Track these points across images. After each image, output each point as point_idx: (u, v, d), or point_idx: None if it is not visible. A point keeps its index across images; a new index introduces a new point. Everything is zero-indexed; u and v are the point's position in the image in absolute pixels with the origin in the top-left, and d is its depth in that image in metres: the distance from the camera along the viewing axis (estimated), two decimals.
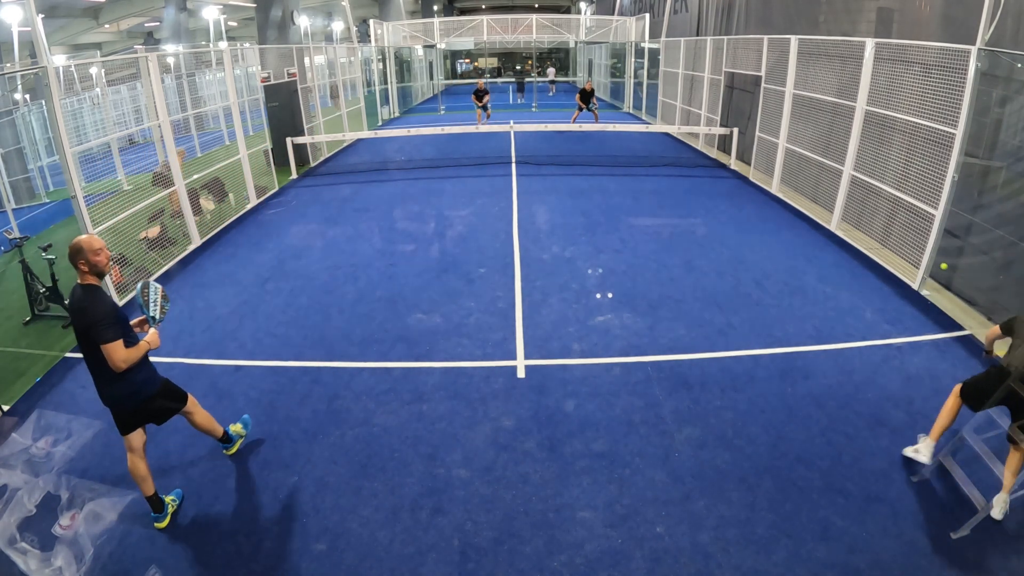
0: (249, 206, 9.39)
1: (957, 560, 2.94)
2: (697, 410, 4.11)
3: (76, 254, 3.00)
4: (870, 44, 6.74)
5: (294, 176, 11.51)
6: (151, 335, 3.23)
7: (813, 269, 6.44)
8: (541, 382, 4.48)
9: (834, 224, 7.58)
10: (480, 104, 16.62)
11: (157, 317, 3.31)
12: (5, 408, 4.29)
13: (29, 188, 12.38)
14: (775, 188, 9.38)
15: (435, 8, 37.82)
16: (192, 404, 3.52)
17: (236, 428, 3.88)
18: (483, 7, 41.64)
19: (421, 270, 6.61)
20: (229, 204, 9.07)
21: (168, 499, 3.37)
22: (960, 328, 5.15)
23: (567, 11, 39.12)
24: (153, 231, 7.20)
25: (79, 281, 3.06)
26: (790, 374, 4.51)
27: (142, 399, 3.20)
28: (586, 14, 30.13)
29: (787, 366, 4.62)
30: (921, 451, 3.55)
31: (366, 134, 14.39)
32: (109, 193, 8.34)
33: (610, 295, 5.90)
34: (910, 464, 3.58)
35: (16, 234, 6.78)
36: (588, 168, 11.50)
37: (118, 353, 2.97)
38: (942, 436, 3.56)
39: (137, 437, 3.25)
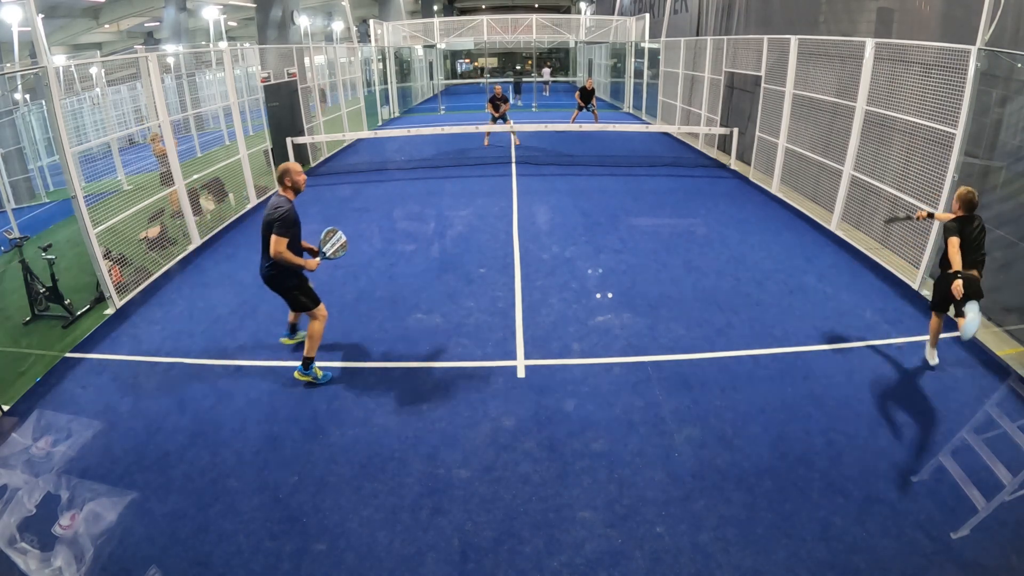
0: (249, 206, 9.39)
1: (957, 560, 2.94)
2: (697, 410, 4.11)
3: (284, 173, 4.27)
4: (870, 44, 6.74)
5: None
6: (312, 261, 4.37)
7: (813, 269, 6.44)
8: (541, 382, 4.48)
9: (834, 224, 7.58)
10: (497, 115, 13.42)
11: (328, 254, 4.51)
12: (5, 408, 4.29)
13: (29, 188, 12.38)
14: (775, 188, 9.38)
15: (435, 8, 37.82)
16: (321, 314, 4.49)
17: (319, 371, 4.50)
18: (483, 7, 41.64)
19: (421, 270, 6.61)
20: (229, 204, 9.07)
21: (318, 371, 4.49)
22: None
23: (567, 11, 39.13)
24: (153, 231, 7.20)
25: (279, 192, 4.29)
26: (790, 374, 4.51)
27: (279, 286, 4.39)
28: (586, 14, 30.14)
29: (787, 366, 4.62)
30: (931, 358, 4.56)
31: (366, 134, 14.38)
32: (109, 193, 8.34)
33: (610, 295, 5.90)
34: (910, 464, 3.58)
35: (16, 234, 6.78)
36: (588, 168, 11.50)
37: (278, 245, 4.13)
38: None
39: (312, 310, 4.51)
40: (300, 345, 4.79)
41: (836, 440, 3.79)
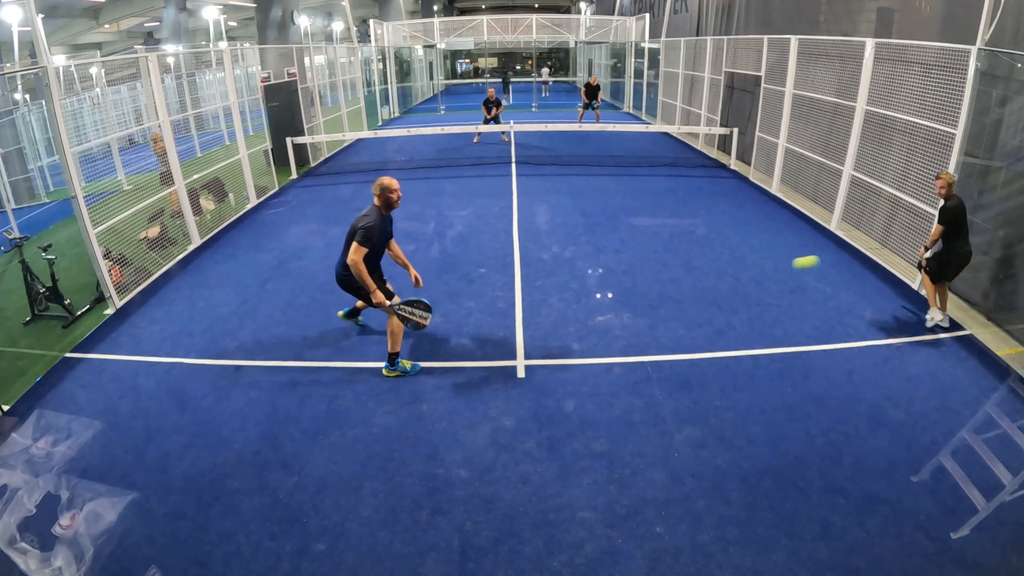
0: (249, 206, 9.39)
1: (957, 560, 2.94)
2: (697, 410, 4.11)
3: (379, 187, 4.30)
4: (870, 44, 6.74)
5: (294, 176, 11.51)
6: (380, 294, 4.29)
7: (813, 269, 6.43)
8: (541, 382, 4.48)
9: (834, 224, 7.58)
10: (490, 117, 13.61)
11: (404, 312, 4.40)
12: (5, 408, 4.29)
13: (29, 188, 12.38)
14: (775, 188, 9.38)
15: (435, 8, 37.82)
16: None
17: (406, 363, 4.57)
18: (483, 7, 41.63)
19: (421, 270, 6.52)
20: (229, 204, 9.07)
21: (406, 363, 4.56)
22: (960, 328, 5.15)
23: (567, 11, 39.12)
24: (153, 231, 7.20)
25: (377, 198, 4.32)
26: (790, 374, 4.51)
27: (350, 287, 4.51)
28: (586, 14, 30.12)
29: (787, 366, 4.62)
30: (936, 317, 5.08)
31: (366, 134, 14.38)
32: (109, 193, 8.34)
33: (610, 295, 5.90)
34: (910, 464, 3.58)
35: (16, 234, 6.77)
36: (588, 168, 11.50)
37: (356, 254, 4.15)
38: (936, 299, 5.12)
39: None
40: (396, 375, 4.58)
41: (836, 440, 3.79)
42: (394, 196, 4.32)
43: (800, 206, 8.58)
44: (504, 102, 23.39)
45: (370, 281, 4.21)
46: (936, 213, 5.26)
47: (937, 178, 4.88)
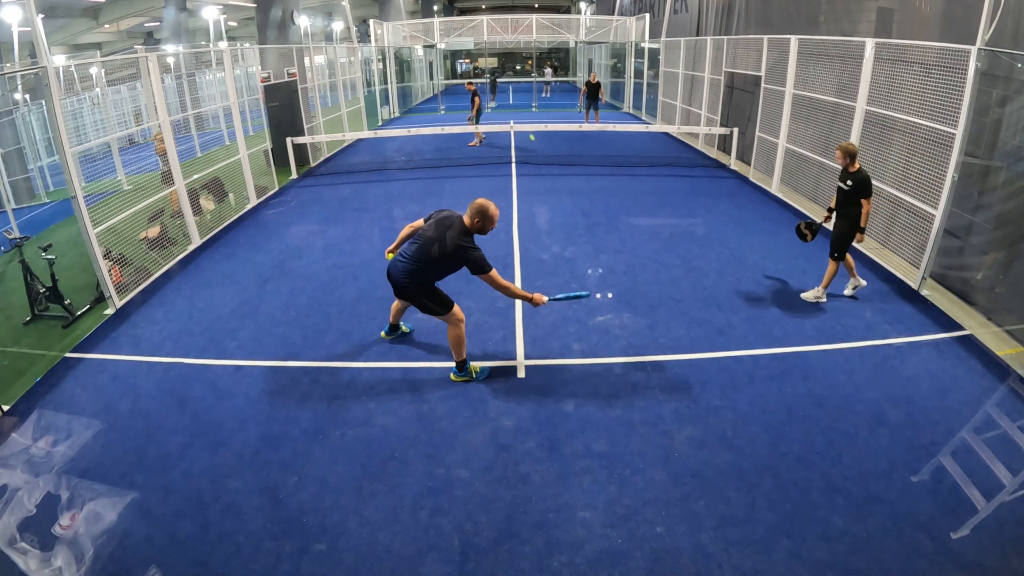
0: (249, 206, 9.39)
1: (957, 560, 2.94)
2: (697, 410, 4.11)
3: (479, 209, 4.00)
4: (870, 44, 6.74)
5: (294, 176, 11.51)
6: (540, 296, 4.20)
7: (813, 269, 6.43)
8: (541, 382, 4.48)
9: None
10: (472, 112, 13.80)
11: (559, 297, 4.45)
12: (5, 408, 4.29)
13: (29, 188, 12.38)
14: (775, 188, 9.38)
15: (435, 8, 37.82)
16: (456, 318, 4.29)
17: (475, 366, 4.51)
18: (483, 7, 41.64)
19: None
20: (229, 204, 9.07)
21: (475, 368, 4.49)
22: (960, 328, 5.16)
23: (567, 11, 39.13)
24: (153, 231, 7.20)
25: (465, 221, 4.05)
26: (790, 374, 4.51)
27: (409, 295, 4.27)
28: (586, 14, 30.13)
29: (787, 366, 4.62)
30: (861, 283, 5.73)
31: (366, 134, 14.38)
32: (109, 193, 8.34)
33: (610, 295, 5.90)
34: (910, 464, 3.58)
35: (16, 234, 6.77)
36: (588, 168, 11.50)
37: (499, 280, 4.07)
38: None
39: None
40: (465, 380, 4.49)
41: (836, 440, 3.79)
42: (491, 228, 4.11)
43: (800, 206, 8.58)
44: (490, 103, 23.33)
45: (524, 292, 4.21)
46: (840, 189, 5.48)
47: (838, 149, 5.23)
